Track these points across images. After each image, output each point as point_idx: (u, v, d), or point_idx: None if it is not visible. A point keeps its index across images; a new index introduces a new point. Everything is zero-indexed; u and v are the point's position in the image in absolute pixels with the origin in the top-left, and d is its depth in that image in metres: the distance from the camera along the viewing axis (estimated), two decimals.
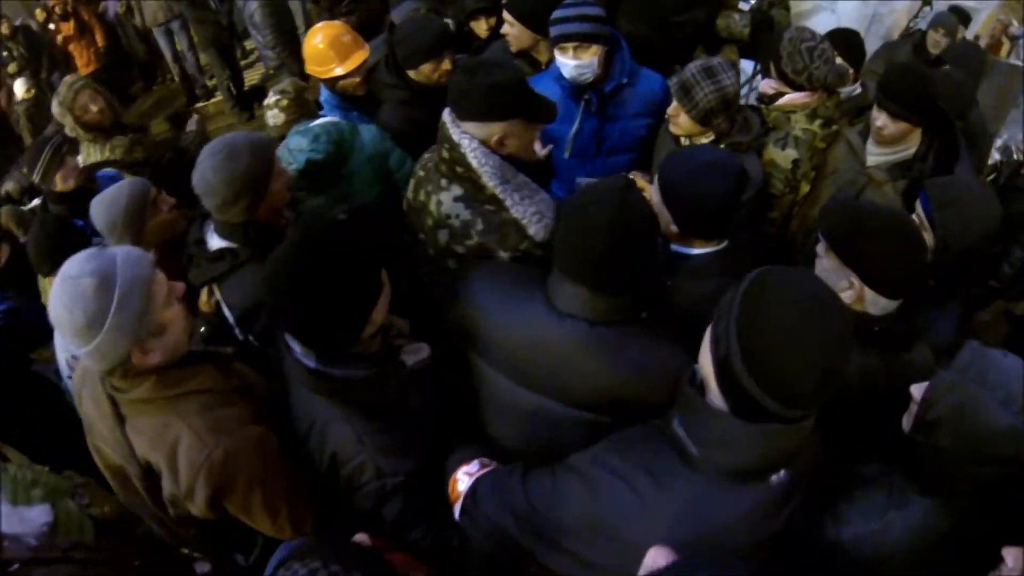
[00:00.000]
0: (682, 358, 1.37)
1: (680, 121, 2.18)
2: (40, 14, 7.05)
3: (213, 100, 7.11)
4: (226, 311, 1.99)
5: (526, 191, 1.83)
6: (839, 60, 2.82)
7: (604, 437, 1.30)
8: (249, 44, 7.37)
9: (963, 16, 4.63)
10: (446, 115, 1.83)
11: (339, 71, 2.64)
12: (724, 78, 2.08)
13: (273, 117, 2.93)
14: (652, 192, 1.76)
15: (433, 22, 2.64)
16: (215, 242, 1.98)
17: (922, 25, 4.90)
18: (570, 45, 2.28)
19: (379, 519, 1.50)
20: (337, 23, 2.81)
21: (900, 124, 2.30)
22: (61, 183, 2.75)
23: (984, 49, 4.36)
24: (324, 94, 2.78)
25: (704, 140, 2.18)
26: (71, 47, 6.97)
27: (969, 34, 5.64)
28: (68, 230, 2.46)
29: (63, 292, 1.28)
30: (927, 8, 5.04)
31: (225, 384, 1.53)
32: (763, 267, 1.12)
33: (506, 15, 2.62)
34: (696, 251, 1.73)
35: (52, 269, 2.31)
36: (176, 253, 2.14)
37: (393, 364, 1.51)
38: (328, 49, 2.63)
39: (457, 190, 1.87)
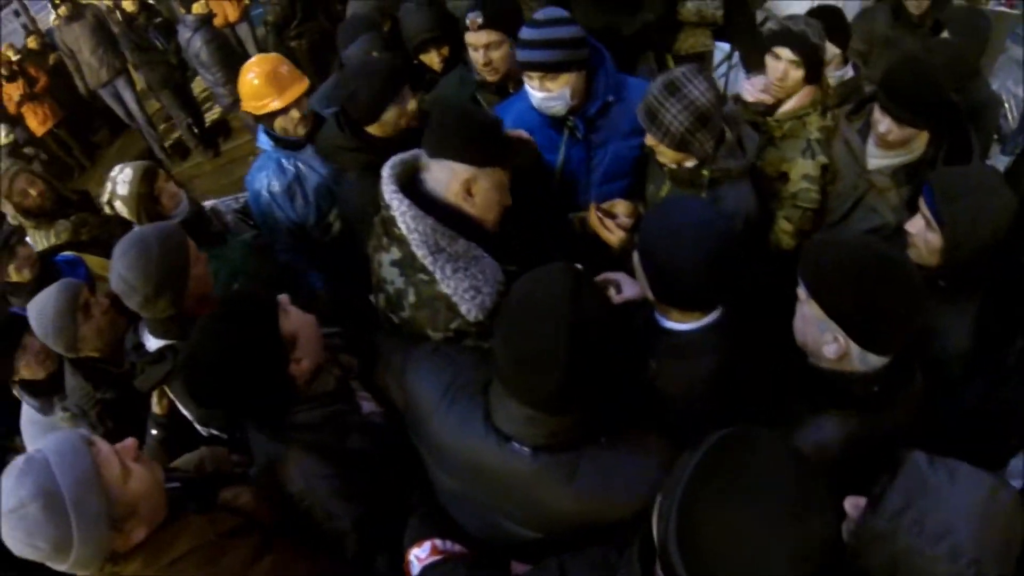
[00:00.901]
0: (657, 474, 1.16)
1: (661, 151, 1.91)
2: None
3: (187, 164, 6.82)
4: (183, 410, 1.96)
5: (462, 262, 1.61)
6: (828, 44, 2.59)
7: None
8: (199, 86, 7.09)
9: None
10: (385, 167, 1.66)
11: (276, 104, 2.40)
12: (691, 90, 1.77)
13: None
14: (635, 254, 1.55)
15: (378, 64, 2.29)
16: (152, 343, 1.94)
17: None
18: (536, 74, 2.00)
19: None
20: (272, 56, 2.58)
21: (906, 129, 2.07)
22: (16, 275, 2.55)
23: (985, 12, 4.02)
24: (262, 138, 2.58)
25: (689, 164, 1.92)
26: (23, 109, 6.69)
27: None
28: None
29: (13, 529, 1.18)
30: None
31: (214, 529, 1.40)
32: (728, 432, 0.92)
33: (484, 37, 2.27)
34: (679, 326, 1.51)
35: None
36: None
37: (348, 404, 1.56)
38: (264, 83, 2.40)
39: (396, 253, 1.67)
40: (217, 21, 5.99)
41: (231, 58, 5.22)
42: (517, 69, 2.26)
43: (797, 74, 2.22)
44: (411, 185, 1.66)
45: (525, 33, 1.98)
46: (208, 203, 2.91)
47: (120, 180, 2.34)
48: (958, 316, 1.77)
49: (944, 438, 1.47)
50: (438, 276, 1.59)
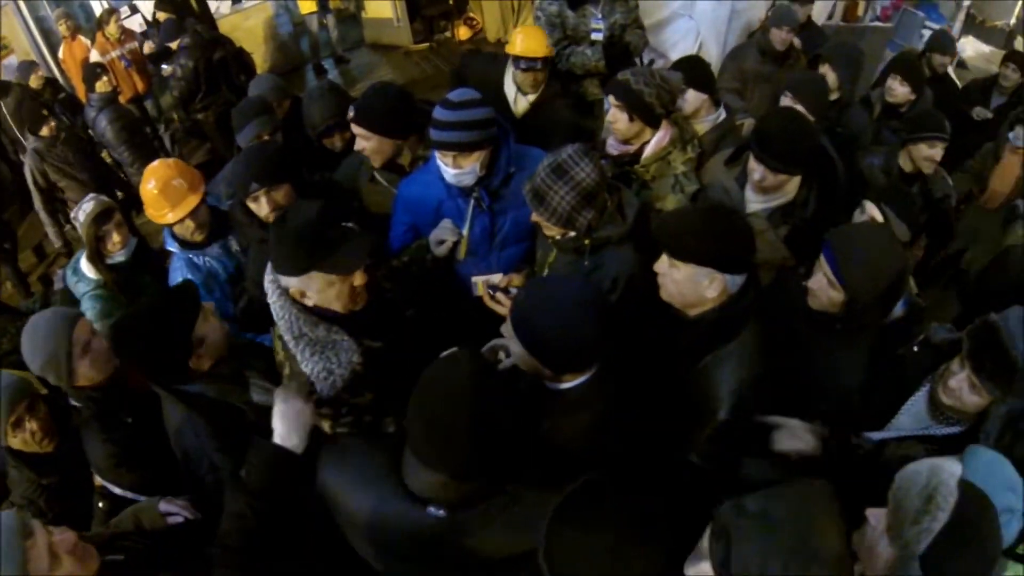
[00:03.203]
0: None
1: (546, 226, 2.02)
2: None
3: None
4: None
5: (319, 346, 1.80)
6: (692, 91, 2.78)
7: None
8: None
9: None
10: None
11: (171, 217, 2.52)
12: (578, 172, 1.89)
13: None
14: (508, 335, 1.65)
15: (254, 154, 2.38)
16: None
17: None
18: (450, 153, 2.11)
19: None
20: (171, 163, 2.63)
21: (779, 175, 2.25)
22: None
23: (856, 43, 4.32)
24: (170, 243, 2.64)
25: (572, 234, 2.03)
26: None
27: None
28: None
29: None
30: None
31: None
32: (579, 484, 1.19)
33: (357, 130, 2.41)
34: (564, 386, 1.65)
35: None
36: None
37: (239, 387, 1.91)
38: (159, 195, 2.50)
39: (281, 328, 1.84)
40: (123, 96, 5.90)
41: (138, 135, 5.15)
42: (393, 156, 2.44)
43: (623, 116, 2.42)
44: None
45: (440, 114, 2.09)
46: None
47: (83, 208, 2.68)
48: (853, 352, 1.98)
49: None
50: (298, 358, 1.81)
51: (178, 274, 2.57)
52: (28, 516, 1.35)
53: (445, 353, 1.44)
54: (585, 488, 1.18)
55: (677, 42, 5.06)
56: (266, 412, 1.67)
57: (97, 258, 2.68)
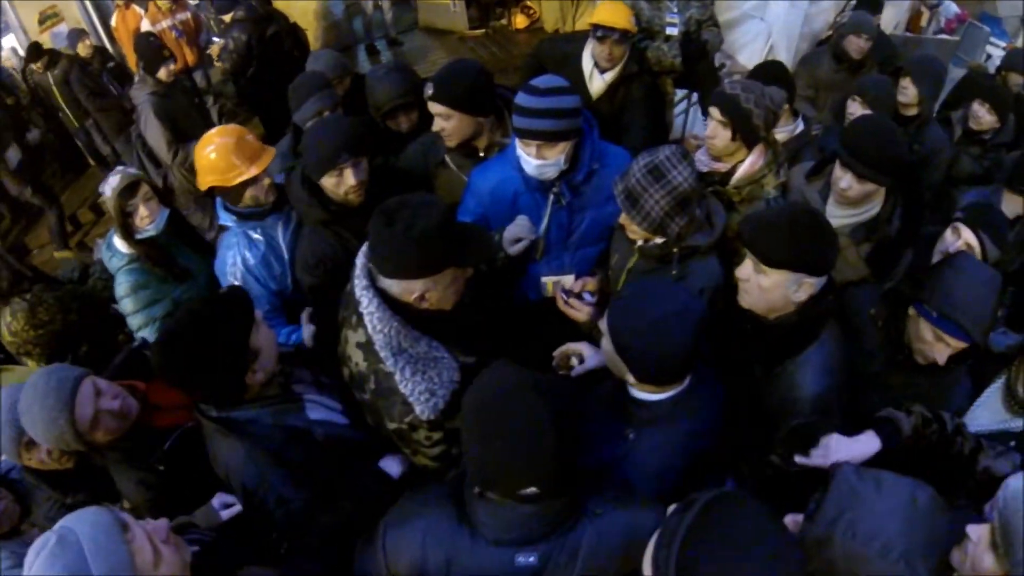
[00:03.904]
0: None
1: (633, 229, 1.92)
2: None
3: None
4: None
5: (420, 364, 1.66)
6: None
7: None
8: None
9: (874, 5, 4.41)
10: (361, 253, 1.68)
11: (252, 171, 2.32)
12: (675, 176, 1.79)
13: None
14: (604, 333, 1.58)
15: (337, 124, 2.25)
16: None
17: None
18: (534, 142, 1.99)
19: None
20: (233, 127, 2.51)
21: (867, 185, 2.12)
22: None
23: (938, 58, 4.13)
24: (223, 215, 2.44)
25: (658, 240, 1.93)
26: None
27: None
28: None
29: None
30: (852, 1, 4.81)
31: None
32: (714, 496, 1.04)
33: (437, 108, 2.26)
34: (654, 397, 1.60)
35: None
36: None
37: (294, 405, 1.74)
38: (233, 153, 2.32)
39: (362, 336, 1.67)
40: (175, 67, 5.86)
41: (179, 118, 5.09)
42: (472, 137, 2.29)
43: (725, 134, 2.26)
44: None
45: (524, 100, 1.96)
46: None
47: (109, 183, 2.52)
48: (960, 385, 1.91)
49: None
50: (397, 377, 1.63)
51: (231, 252, 2.40)
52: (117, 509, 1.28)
53: (487, 373, 1.34)
54: (714, 504, 1.05)
55: (746, 44, 4.91)
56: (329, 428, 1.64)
57: (126, 233, 2.54)
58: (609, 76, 3.38)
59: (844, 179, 2.16)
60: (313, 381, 1.88)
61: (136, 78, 4.67)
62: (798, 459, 1.61)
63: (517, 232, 2.05)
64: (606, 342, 1.58)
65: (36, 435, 1.79)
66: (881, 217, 2.25)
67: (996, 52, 6.14)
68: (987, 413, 1.84)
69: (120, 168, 2.62)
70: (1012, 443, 1.73)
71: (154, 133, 4.35)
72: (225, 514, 1.81)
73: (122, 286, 2.58)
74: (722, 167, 2.30)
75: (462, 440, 1.32)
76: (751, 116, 2.21)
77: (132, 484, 1.89)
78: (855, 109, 3.02)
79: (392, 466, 1.83)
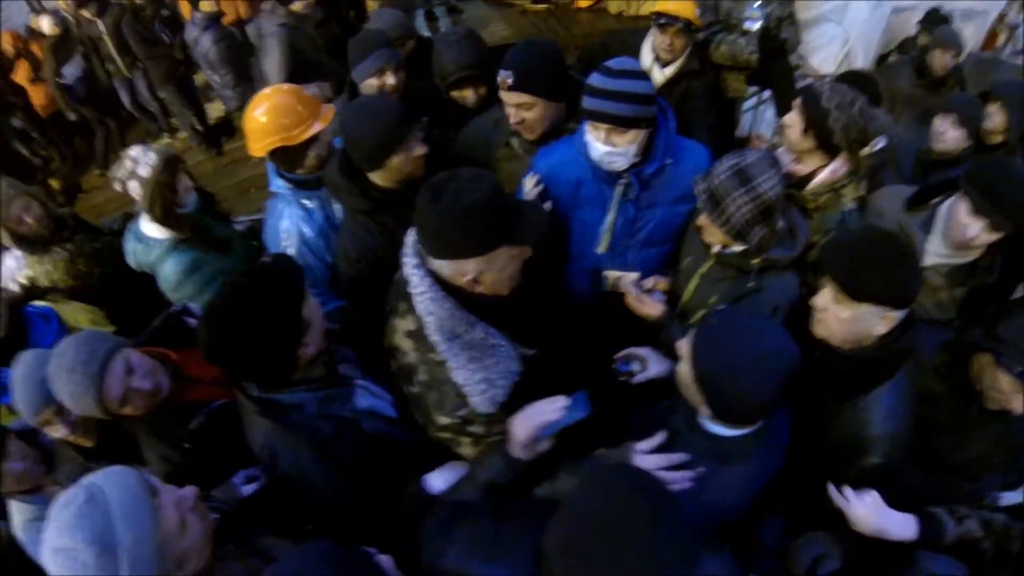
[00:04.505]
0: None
1: (711, 232, 1.80)
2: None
3: (189, 162, 6.59)
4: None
5: (477, 351, 1.53)
6: None
7: None
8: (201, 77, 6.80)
9: (941, 19, 4.26)
10: (410, 232, 1.55)
11: (319, 126, 2.20)
12: (762, 182, 1.66)
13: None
14: (682, 356, 1.46)
15: (385, 106, 2.07)
16: None
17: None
18: (604, 126, 1.85)
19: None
20: (285, 85, 2.40)
21: (997, 234, 1.98)
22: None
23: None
24: (277, 183, 2.30)
25: (736, 248, 1.80)
26: (29, 89, 6.39)
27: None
28: None
29: (60, 566, 1.12)
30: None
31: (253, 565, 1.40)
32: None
33: (517, 98, 2.06)
34: (726, 432, 1.49)
35: None
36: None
37: (343, 390, 1.63)
38: (298, 109, 2.18)
39: (411, 323, 1.56)
40: (227, 18, 5.79)
41: (241, 59, 5.00)
42: (554, 127, 2.13)
43: (798, 124, 2.07)
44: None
45: (596, 80, 1.83)
46: None
47: (143, 162, 2.28)
48: None
49: None
50: (452, 364, 1.52)
51: (286, 223, 2.25)
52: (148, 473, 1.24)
53: (591, 480, 1.14)
54: None
55: (820, 47, 4.71)
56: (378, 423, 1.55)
57: (167, 212, 2.32)
58: (669, 71, 3.25)
59: (973, 227, 2.00)
60: (356, 360, 1.77)
61: (266, 7, 4.56)
62: (832, 491, 1.56)
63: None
64: (685, 367, 1.45)
65: (64, 402, 1.73)
66: (981, 264, 2.11)
67: None
68: None
69: (138, 148, 2.38)
70: None
71: (273, 65, 4.23)
72: (246, 490, 1.76)
73: (174, 274, 2.39)
74: (801, 170, 2.14)
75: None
76: (827, 116, 2.02)
77: (155, 456, 1.83)
78: (944, 128, 2.82)
79: (436, 483, 1.68)
